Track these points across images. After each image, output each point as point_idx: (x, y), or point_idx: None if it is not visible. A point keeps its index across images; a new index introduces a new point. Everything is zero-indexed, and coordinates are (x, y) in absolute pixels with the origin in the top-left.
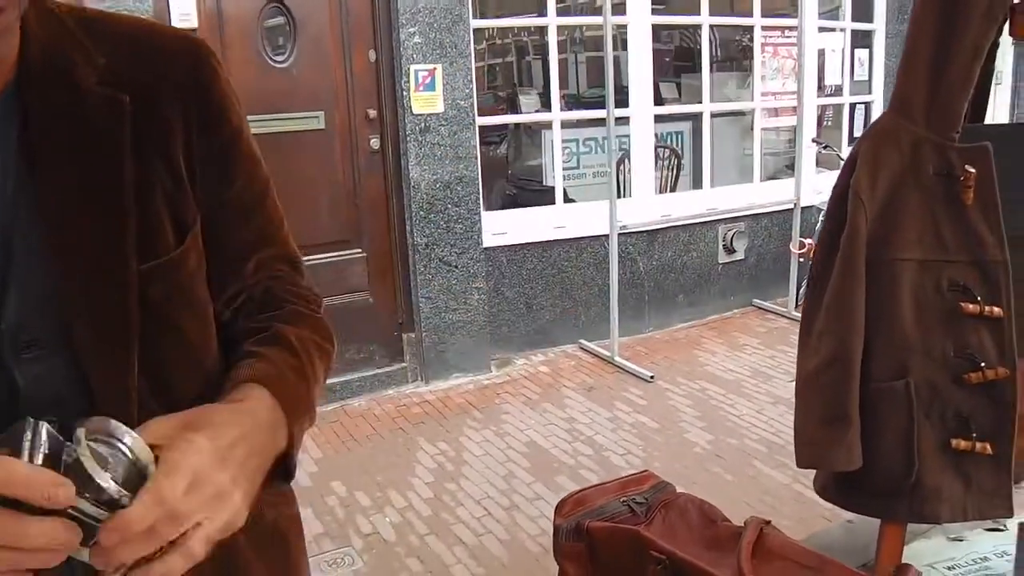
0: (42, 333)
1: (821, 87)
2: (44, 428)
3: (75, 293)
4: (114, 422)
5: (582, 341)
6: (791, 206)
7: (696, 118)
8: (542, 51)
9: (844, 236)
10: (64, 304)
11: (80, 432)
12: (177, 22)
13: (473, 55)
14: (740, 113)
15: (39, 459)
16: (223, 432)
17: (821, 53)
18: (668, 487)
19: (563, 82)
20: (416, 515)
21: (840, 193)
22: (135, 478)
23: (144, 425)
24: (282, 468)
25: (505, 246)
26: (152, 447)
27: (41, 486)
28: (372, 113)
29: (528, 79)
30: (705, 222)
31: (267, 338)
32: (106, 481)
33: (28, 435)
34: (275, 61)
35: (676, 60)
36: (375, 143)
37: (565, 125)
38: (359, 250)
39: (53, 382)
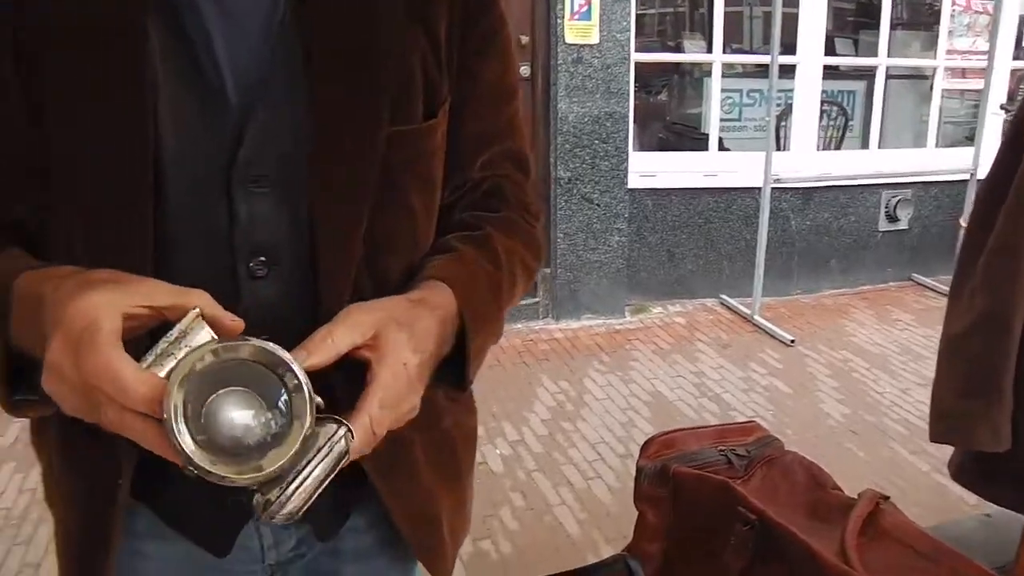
0: (275, 173)
1: (1020, 47)
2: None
3: (320, 142)
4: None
5: (722, 296)
6: (966, 176)
7: (870, 78)
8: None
9: (1019, 173)
10: (307, 148)
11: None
12: None
13: None
14: (921, 77)
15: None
16: (424, 343)
17: None
18: (775, 442)
19: (734, 36)
20: (527, 450)
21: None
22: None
23: (347, 310)
24: (454, 372)
25: (651, 189)
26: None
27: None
28: (524, 39)
29: (699, 27)
30: (868, 185)
31: (473, 238)
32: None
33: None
34: None
35: (856, 16)
36: (524, 71)
37: (729, 74)
38: None
39: (275, 223)
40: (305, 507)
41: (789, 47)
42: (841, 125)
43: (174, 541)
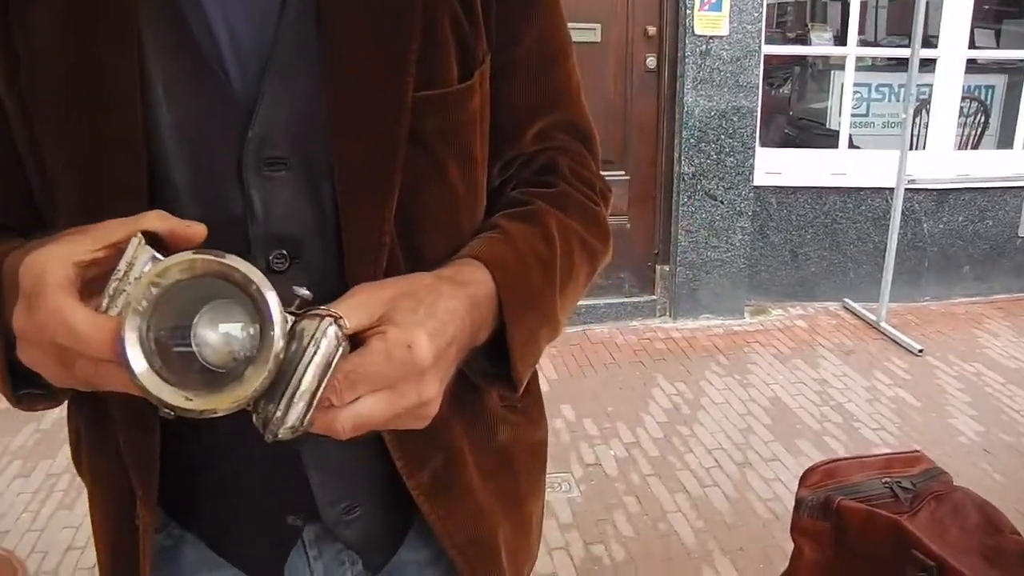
0: (292, 153)
1: None
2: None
3: (340, 110)
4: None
5: (847, 300)
6: None
7: (1013, 71)
8: None
9: None
10: (327, 122)
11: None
12: None
13: None
14: None
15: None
16: (445, 325)
17: None
18: (942, 476)
19: (860, 27)
20: (642, 453)
21: None
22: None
23: (354, 289)
24: (503, 370)
25: (777, 187)
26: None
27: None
28: (651, 30)
29: (823, 17)
30: (1010, 187)
31: (521, 214)
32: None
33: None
34: None
35: (1000, 5)
36: (651, 62)
37: (857, 69)
38: (622, 172)
39: (295, 210)
40: (308, 416)
41: (924, 39)
42: (980, 123)
43: (223, 572)
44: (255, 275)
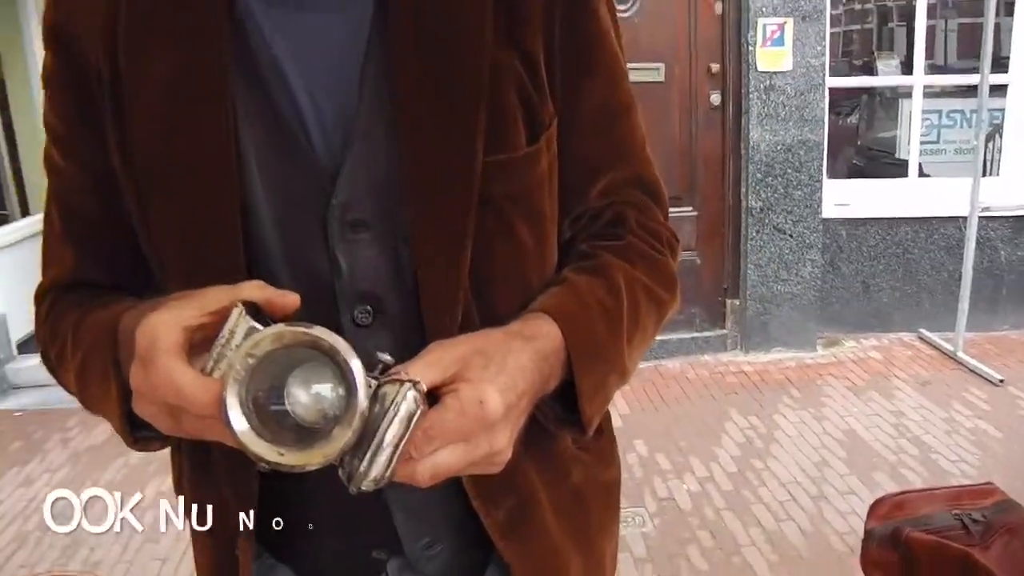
0: (372, 217)
1: None
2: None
3: (415, 177)
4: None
5: (922, 330)
6: None
7: None
8: (907, 16)
9: None
10: (402, 188)
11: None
12: None
13: (828, 11)
14: None
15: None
16: (515, 381)
17: None
18: (1017, 509)
19: (928, 52)
20: (715, 487)
21: None
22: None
23: (429, 347)
24: (572, 415)
25: (846, 219)
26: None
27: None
28: (715, 68)
29: (888, 45)
30: None
31: (588, 267)
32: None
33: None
34: (618, 10)
35: None
36: (715, 99)
37: (926, 95)
38: (690, 208)
39: (376, 269)
40: (388, 471)
41: (995, 61)
42: None
43: None
44: (340, 344)
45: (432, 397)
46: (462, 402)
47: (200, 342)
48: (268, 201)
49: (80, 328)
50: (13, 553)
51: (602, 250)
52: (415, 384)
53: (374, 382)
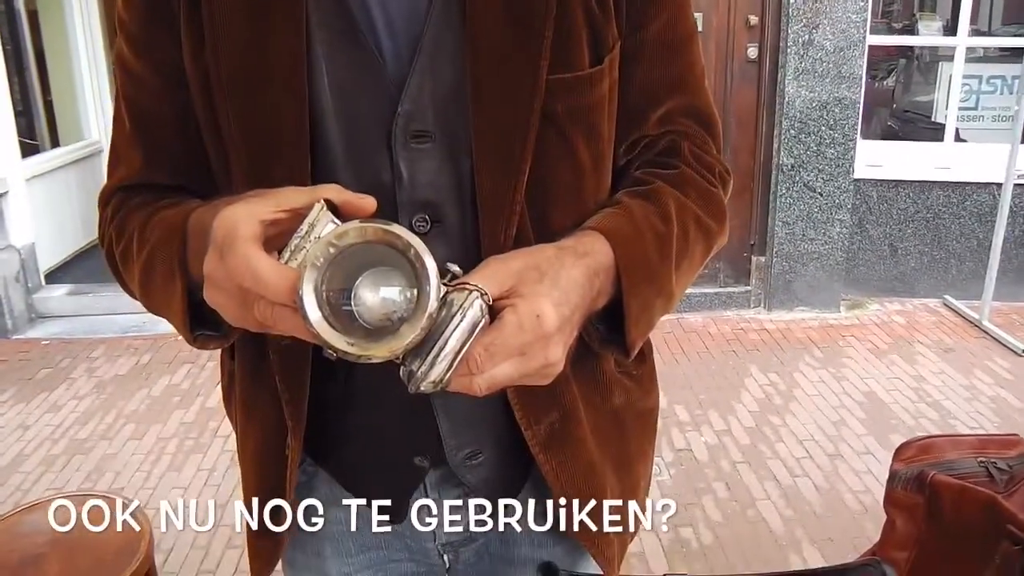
0: (435, 128)
1: None
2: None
3: (479, 90)
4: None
5: (947, 297)
6: None
7: None
8: None
9: None
10: (466, 100)
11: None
12: None
13: None
14: None
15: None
16: (568, 295)
17: None
18: None
19: (972, 16)
20: (733, 441)
21: None
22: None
23: (486, 262)
24: (618, 335)
25: (878, 180)
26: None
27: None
28: (753, 19)
29: (932, 6)
30: None
31: (641, 192)
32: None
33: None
34: None
35: None
36: (752, 52)
37: (968, 59)
38: None
39: (437, 178)
40: (448, 374)
41: None
42: None
43: (347, 509)
44: (417, 243)
45: (489, 310)
46: (520, 316)
47: (274, 237)
48: (335, 107)
49: (147, 226)
50: (41, 475)
51: (656, 177)
52: (483, 294)
53: (444, 287)
